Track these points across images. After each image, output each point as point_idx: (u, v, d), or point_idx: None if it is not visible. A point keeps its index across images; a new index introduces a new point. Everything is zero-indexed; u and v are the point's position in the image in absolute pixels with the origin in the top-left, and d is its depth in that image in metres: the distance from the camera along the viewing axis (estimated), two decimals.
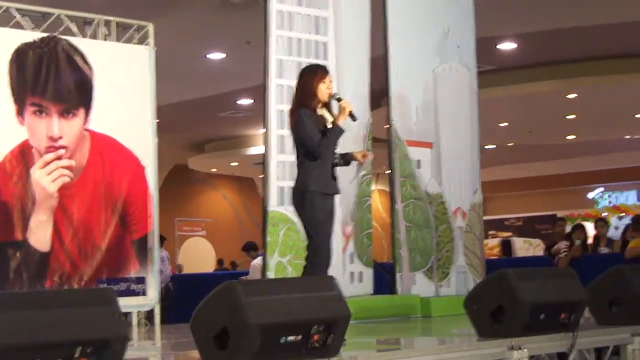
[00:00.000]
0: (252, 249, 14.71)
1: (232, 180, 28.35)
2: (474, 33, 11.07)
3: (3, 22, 8.90)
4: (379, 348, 6.43)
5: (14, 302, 4.11)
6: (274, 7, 9.20)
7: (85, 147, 9.18)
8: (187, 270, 21.20)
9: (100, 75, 9.31)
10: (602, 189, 30.02)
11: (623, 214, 27.50)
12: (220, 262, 23.07)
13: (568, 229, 13.47)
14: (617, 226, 24.20)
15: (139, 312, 9.75)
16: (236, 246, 18.40)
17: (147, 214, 9.52)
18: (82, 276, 9.04)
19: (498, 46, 15.21)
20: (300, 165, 6.61)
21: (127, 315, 9.39)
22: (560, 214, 27.94)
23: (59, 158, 8.99)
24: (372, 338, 7.22)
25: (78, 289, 8.06)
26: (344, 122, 6.57)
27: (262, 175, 9.18)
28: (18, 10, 9.03)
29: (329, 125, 6.55)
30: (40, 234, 8.83)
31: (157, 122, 9.86)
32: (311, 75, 6.66)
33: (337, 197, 6.84)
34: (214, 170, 26.97)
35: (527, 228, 29.23)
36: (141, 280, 9.43)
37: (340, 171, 6.83)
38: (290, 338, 4.75)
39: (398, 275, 9.79)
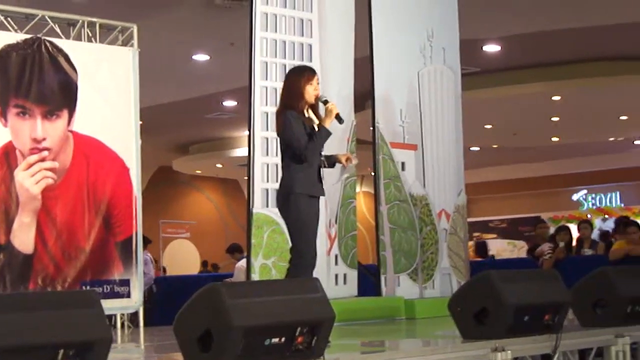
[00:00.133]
0: (236, 251, 14.68)
1: (216, 182, 28.32)
2: (458, 35, 11.08)
3: None
4: (363, 350, 6.43)
5: None
6: (258, 8, 9.19)
7: (69, 148, 9.16)
8: (171, 272, 21.15)
9: (84, 76, 9.29)
10: (585, 191, 30.10)
11: (607, 215, 27.57)
12: (204, 264, 23.05)
13: (552, 230, 13.50)
14: (601, 228, 24.29)
15: (122, 314, 9.73)
16: (221, 248, 18.36)
17: (131, 216, 9.50)
18: (66, 278, 9.02)
19: (482, 48, 15.24)
20: (286, 167, 6.60)
21: (110, 317, 9.38)
22: (544, 215, 28.01)
23: (42, 160, 8.97)
24: (356, 340, 7.22)
25: (61, 291, 8.05)
26: (330, 124, 6.56)
27: (246, 177, 9.17)
28: (1, 11, 9.02)
29: (315, 127, 6.54)
30: (23, 236, 8.81)
31: (141, 124, 9.85)
32: (298, 77, 6.65)
33: (321, 199, 6.84)
34: (198, 172, 26.94)
35: (512, 230, 29.30)
36: (125, 283, 9.41)
37: (324, 173, 6.82)
38: (274, 340, 4.74)
39: (382, 277, 9.79)
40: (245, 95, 9.26)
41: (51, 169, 9.02)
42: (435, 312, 9.31)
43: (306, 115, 6.59)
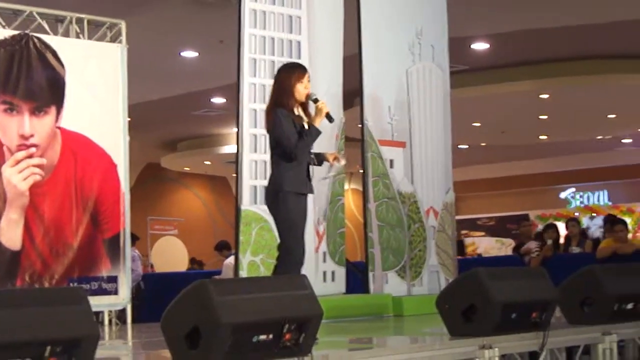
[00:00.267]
0: (224, 248, 14.68)
1: (205, 179, 28.26)
2: (446, 33, 11.09)
3: None
4: (351, 347, 6.43)
5: None
6: (247, 5, 9.19)
7: (57, 145, 9.15)
8: (159, 269, 21.12)
9: (72, 73, 9.28)
10: (573, 189, 30.15)
11: (594, 214, 27.64)
12: (192, 261, 23.01)
13: (540, 227, 13.56)
14: (588, 226, 24.36)
15: (110, 311, 9.72)
16: (209, 245, 18.34)
17: (119, 213, 9.49)
18: (53, 275, 9.01)
19: (471, 46, 15.24)
20: (275, 164, 6.59)
21: (98, 314, 9.37)
22: (532, 213, 28.10)
23: (30, 156, 8.96)
24: (344, 337, 7.22)
25: (49, 288, 8.02)
26: (320, 123, 6.56)
27: (235, 174, 9.16)
28: None
29: (305, 125, 6.54)
30: (11, 232, 8.79)
31: (130, 121, 9.84)
32: (289, 75, 6.63)
33: (310, 197, 6.84)
34: (186, 169, 26.89)
35: (500, 228, 29.33)
36: (113, 279, 9.41)
37: (313, 170, 6.82)
38: (262, 337, 4.73)
39: (370, 274, 9.78)
40: (234, 92, 9.25)
41: (39, 166, 9.00)
42: (423, 310, 9.31)
43: (296, 113, 6.58)
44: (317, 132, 6.56)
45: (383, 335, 7.85)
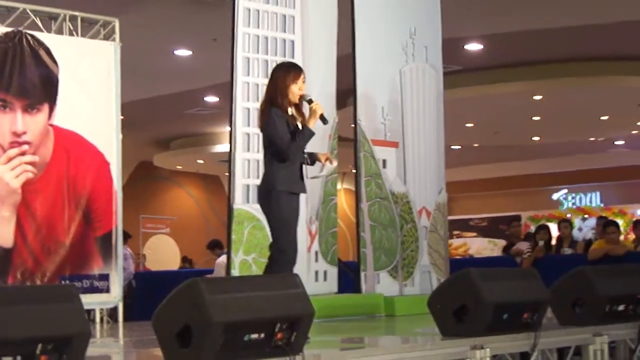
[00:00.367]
0: (217, 246, 14.67)
1: (197, 178, 28.25)
2: (440, 33, 11.09)
3: None
4: (342, 347, 6.43)
5: None
6: (241, 4, 9.18)
7: (50, 142, 9.14)
8: (151, 267, 21.12)
9: (65, 70, 9.27)
10: (565, 190, 30.19)
11: (587, 215, 27.69)
12: (183, 260, 23.02)
13: (532, 228, 13.60)
14: (580, 227, 24.41)
15: (101, 309, 9.71)
16: (201, 244, 18.33)
17: (111, 211, 9.49)
18: (45, 273, 8.99)
19: (465, 47, 15.26)
20: (268, 163, 6.58)
21: (89, 312, 9.36)
22: (524, 214, 28.15)
23: (22, 154, 8.95)
24: (335, 336, 7.22)
25: (40, 286, 8.03)
26: (314, 124, 6.55)
27: (227, 173, 9.16)
28: None
29: (299, 125, 6.53)
30: (3, 230, 8.79)
31: (123, 119, 9.84)
32: (284, 75, 6.61)
33: (302, 196, 6.84)
34: (179, 167, 26.87)
35: (492, 228, 29.36)
36: (104, 278, 9.40)
37: (306, 169, 6.82)
38: (254, 336, 4.73)
39: (362, 274, 9.79)
40: (227, 90, 9.25)
41: (31, 163, 8.99)
42: (414, 310, 9.32)
43: (290, 113, 6.57)
44: (311, 134, 6.55)
45: (375, 335, 7.85)
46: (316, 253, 9.69)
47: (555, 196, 30.43)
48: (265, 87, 6.83)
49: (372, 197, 9.98)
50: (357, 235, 9.94)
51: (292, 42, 9.61)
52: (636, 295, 6.94)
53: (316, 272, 9.70)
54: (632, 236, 13.86)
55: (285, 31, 9.56)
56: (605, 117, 20.42)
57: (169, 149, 24.43)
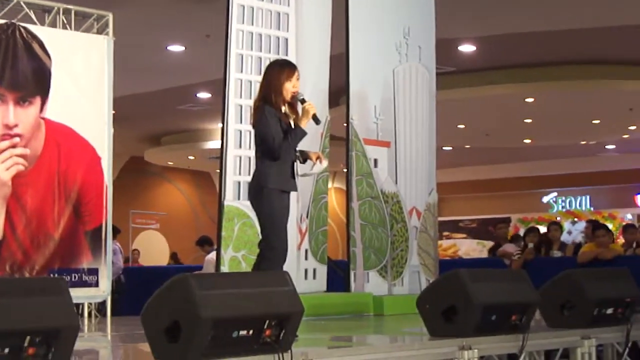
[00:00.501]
0: (206, 243, 14.64)
1: (188, 174, 28.24)
2: (434, 34, 11.10)
3: None
4: (330, 345, 6.43)
5: None
6: (235, 1, 9.18)
7: (41, 135, 9.12)
8: (140, 263, 21.10)
9: (58, 63, 9.25)
10: (555, 193, 30.24)
11: (576, 219, 27.74)
12: (172, 257, 23.01)
13: (522, 231, 13.62)
14: (569, 230, 24.45)
15: (90, 303, 9.69)
16: (190, 240, 18.31)
17: (102, 205, 9.47)
18: (34, 266, 8.98)
19: (458, 48, 15.27)
20: (259, 161, 6.57)
21: (78, 306, 9.34)
22: (514, 217, 28.19)
23: (13, 146, 8.93)
24: (324, 335, 7.22)
25: (29, 278, 8.02)
26: (306, 124, 6.55)
27: (218, 170, 9.15)
28: None
29: (292, 123, 6.52)
30: None
31: (114, 113, 9.82)
32: (278, 72, 6.58)
33: (293, 194, 6.84)
34: (170, 163, 26.85)
35: (481, 230, 29.40)
36: (93, 272, 9.38)
37: (298, 166, 6.82)
38: (243, 332, 4.73)
39: (352, 273, 9.80)
40: (220, 87, 9.25)
41: (22, 156, 8.97)
42: (403, 309, 9.33)
43: (283, 111, 6.56)
44: (303, 133, 6.54)
45: (363, 333, 7.86)
46: (306, 251, 9.70)
47: (545, 199, 30.48)
48: (258, 84, 6.82)
49: (363, 197, 9.99)
50: (347, 234, 9.95)
51: (286, 39, 9.61)
52: (625, 299, 6.95)
53: (306, 270, 9.71)
54: (621, 240, 13.86)
55: (279, 29, 9.56)
56: (597, 121, 20.45)
57: (160, 145, 24.41)
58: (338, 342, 6.80)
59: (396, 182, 10.36)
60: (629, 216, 28.05)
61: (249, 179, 6.80)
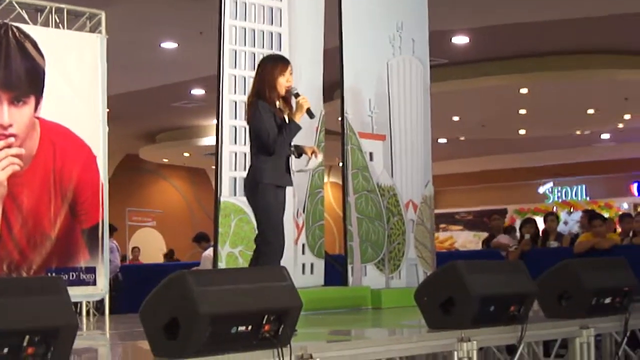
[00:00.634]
0: (203, 239, 14.64)
1: (183, 171, 28.25)
2: (427, 26, 11.09)
3: None
4: (329, 339, 6.43)
5: None
6: None
7: (36, 135, 9.11)
8: (141, 260, 21.12)
9: (51, 63, 9.24)
10: (551, 183, 30.26)
11: (572, 209, 27.75)
12: (168, 255, 22.99)
13: (518, 222, 13.64)
14: (566, 221, 24.45)
15: (88, 302, 9.69)
16: (187, 237, 18.32)
17: (98, 204, 9.47)
18: (31, 265, 8.97)
19: (451, 40, 15.27)
20: (254, 156, 6.57)
21: (76, 305, 9.34)
22: (510, 208, 28.21)
23: (8, 146, 8.92)
24: (322, 329, 7.22)
25: (27, 278, 8.01)
26: (300, 119, 6.54)
27: (214, 166, 9.14)
28: None
29: (286, 118, 6.52)
30: None
31: (109, 111, 9.81)
32: (271, 67, 6.58)
33: (289, 189, 6.84)
34: (165, 160, 26.85)
35: (478, 222, 29.42)
36: (91, 270, 9.38)
37: (293, 161, 6.82)
38: (241, 328, 4.72)
39: (349, 267, 9.80)
40: (214, 83, 9.24)
41: (17, 156, 8.96)
42: (401, 302, 9.33)
43: (277, 106, 6.56)
44: (297, 128, 6.54)
45: (361, 327, 7.86)
46: (303, 246, 9.69)
47: (541, 189, 30.49)
48: (252, 80, 6.82)
49: (359, 190, 9.99)
50: (344, 228, 9.94)
51: (279, 34, 9.60)
52: (622, 288, 6.96)
53: (303, 265, 9.71)
54: (618, 229, 13.88)
55: (272, 24, 9.55)
56: (592, 111, 20.47)
57: (155, 142, 24.41)
58: (337, 336, 6.80)
59: (392, 175, 10.36)
60: (625, 205, 28.06)
61: (244, 174, 6.80)
